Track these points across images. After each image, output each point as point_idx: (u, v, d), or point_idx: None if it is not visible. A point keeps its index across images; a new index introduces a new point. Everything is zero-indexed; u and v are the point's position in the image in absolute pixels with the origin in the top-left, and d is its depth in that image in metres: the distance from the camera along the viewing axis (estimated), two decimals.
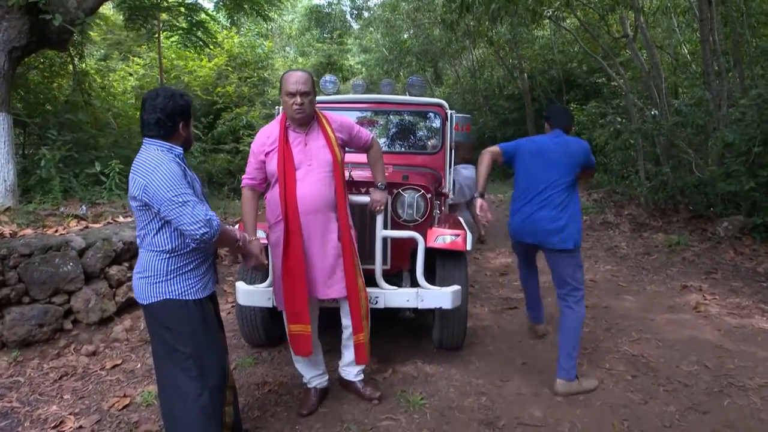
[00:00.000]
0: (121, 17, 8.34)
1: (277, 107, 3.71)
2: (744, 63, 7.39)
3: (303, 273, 2.47)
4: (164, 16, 8.45)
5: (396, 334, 3.65)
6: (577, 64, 14.50)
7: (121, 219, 4.55)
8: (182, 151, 2.11)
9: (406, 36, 18.35)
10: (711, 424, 2.60)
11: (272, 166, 2.49)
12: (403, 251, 3.16)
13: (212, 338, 2.14)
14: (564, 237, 2.92)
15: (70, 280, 3.57)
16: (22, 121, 6.53)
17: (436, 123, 4.36)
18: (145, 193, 1.94)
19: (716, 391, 2.91)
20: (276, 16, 13.23)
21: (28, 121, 6.58)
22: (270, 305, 2.94)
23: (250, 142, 2.80)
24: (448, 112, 4.27)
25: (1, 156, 4.69)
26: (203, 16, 8.91)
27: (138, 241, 2.12)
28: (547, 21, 11.10)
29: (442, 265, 3.18)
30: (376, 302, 2.91)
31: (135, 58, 12.00)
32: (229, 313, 4.27)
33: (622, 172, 8.76)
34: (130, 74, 11.67)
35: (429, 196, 3.12)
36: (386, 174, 3.20)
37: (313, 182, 2.48)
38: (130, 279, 3.90)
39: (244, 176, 2.63)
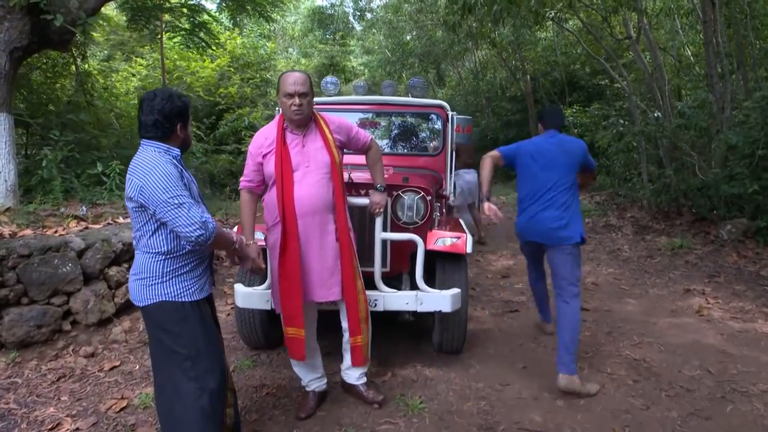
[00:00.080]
0: (124, 18, 8.36)
1: (278, 108, 3.71)
2: (748, 65, 7.35)
3: (299, 276, 2.45)
4: (167, 16, 8.47)
5: (395, 337, 3.63)
6: (580, 65, 14.46)
7: (121, 220, 4.54)
8: (179, 153, 2.10)
9: (408, 37, 18.33)
10: (713, 431, 2.57)
11: (270, 167, 2.48)
12: (402, 254, 3.14)
13: (210, 340, 2.12)
14: (569, 233, 3.05)
15: (69, 281, 3.56)
16: (25, 122, 6.54)
17: (437, 124, 4.34)
18: (141, 195, 1.93)
19: (719, 396, 2.88)
20: (279, 17, 13.28)
21: (30, 121, 6.59)
22: (268, 307, 2.92)
23: None
24: (449, 113, 4.24)
25: (2, 156, 4.69)
26: (206, 17, 8.92)
27: (134, 242, 2.11)
28: (550, 23, 11.07)
29: (442, 267, 3.15)
30: (375, 305, 2.89)
31: (138, 59, 12.02)
32: (228, 314, 4.26)
33: (625, 174, 8.73)
34: (133, 75, 11.70)
35: (429, 198, 3.09)
36: (386, 176, 3.18)
37: (310, 184, 2.46)
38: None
39: (242, 178, 2.61)
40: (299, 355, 2.57)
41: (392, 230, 3.05)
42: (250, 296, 2.95)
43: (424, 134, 4.53)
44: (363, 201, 2.83)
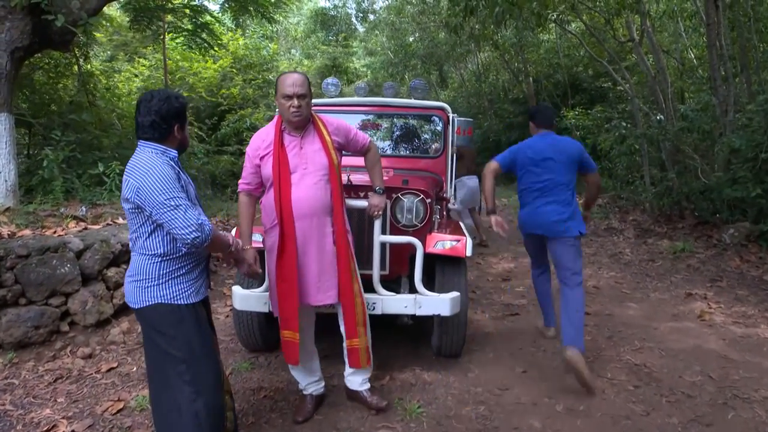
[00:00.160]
0: (127, 18, 8.36)
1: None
2: (751, 68, 7.32)
3: (296, 278, 2.43)
4: (169, 17, 8.47)
5: (394, 341, 3.61)
6: (583, 68, 14.43)
7: (120, 221, 4.54)
8: (177, 154, 2.09)
9: (411, 39, 18.34)
10: None
11: (267, 170, 2.46)
12: (402, 257, 3.12)
13: (205, 343, 2.11)
14: (569, 226, 3.21)
15: (67, 281, 3.55)
16: (27, 122, 6.54)
17: (438, 126, 4.32)
18: (137, 196, 1.92)
19: (720, 402, 2.85)
20: (281, 18, 13.26)
21: (32, 121, 6.59)
22: (266, 310, 2.91)
23: None
24: (450, 115, 4.22)
25: (2, 156, 4.69)
26: (208, 17, 8.92)
27: (130, 244, 2.10)
28: (553, 25, 11.05)
29: (442, 271, 3.13)
30: (374, 308, 2.87)
31: (140, 60, 12.04)
32: (227, 316, 4.24)
33: (627, 177, 8.69)
34: (135, 75, 11.70)
35: (429, 200, 3.07)
36: (386, 178, 3.17)
37: (308, 186, 2.44)
38: None
39: (240, 181, 2.60)
40: (293, 359, 2.55)
41: (391, 233, 3.02)
42: (248, 298, 2.93)
43: (424, 136, 4.51)
44: (362, 203, 2.81)
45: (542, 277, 3.72)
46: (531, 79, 15.42)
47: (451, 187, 4.22)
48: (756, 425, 2.64)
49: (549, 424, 2.66)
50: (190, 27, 8.54)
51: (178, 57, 11.47)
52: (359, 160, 2.97)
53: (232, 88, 11.48)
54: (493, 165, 3.42)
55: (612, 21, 9.35)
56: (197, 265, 2.12)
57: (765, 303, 4.47)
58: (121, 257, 3.99)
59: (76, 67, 7.80)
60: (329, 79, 4.29)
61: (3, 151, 4.70)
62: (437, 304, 2.89)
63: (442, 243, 3.04)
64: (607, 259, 6.21)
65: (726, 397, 2.90)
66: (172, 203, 1.89)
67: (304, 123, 2.49)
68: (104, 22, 9.06)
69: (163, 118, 2.01)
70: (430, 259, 3.07)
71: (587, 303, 4.44)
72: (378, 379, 3.11)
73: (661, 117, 7.98)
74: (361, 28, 23.24)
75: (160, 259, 2.01)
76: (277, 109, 2.48)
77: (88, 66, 8.33)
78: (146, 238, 2.01)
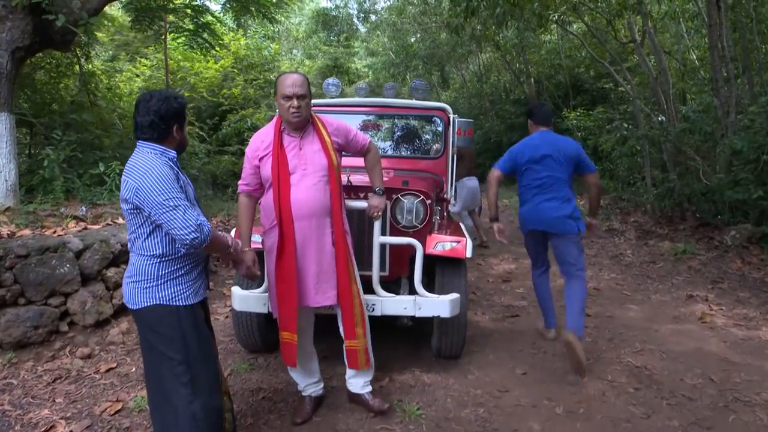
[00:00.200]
0: (129, 18, 8.36)
1: None
2: (753, 69, 7.30)
3: (294, 280, 2.42)
4: (171, 17, 8.47)
5: (394, 342, 3.60)
6: (584, 69, 14.40)
7: (120, 220, 4.53)
8: (176, 155, 2.08)
9: (412, 40, 18.33)
10: None
11: (266, 170, 2.45)
12: (402, 258, 3.11)
13: (203, 345, 2.10)
14: (570, 223, 3.30)
15: (66, 281, 3.55)
16: (29, 121, 6.55)
17: (439, 127, 4.31)
18: (136, 196, 1.91)
19: (721, 405, 2.83)
20: (283, 18, 13.26)
21: (34, 121, 6.59)
22: (265, 311, 2.90)
23: None
24: (451, 116, 4.21)
25: (2, 156, 4.68)
26: (209, 18, 8.92)
27: (129, 245, 2.09)
28: (554, 26, 11.03)
29: (441, 272, 3.12)
30: (373, 310, 2.86)
31: (142, 60, 12.05)
32: (227, 316, 4.24)
33: (629, 178, 8.67)
34: (137, 75, 11.71)
35: (429, 202, 3.06)
36: (386, 179, 3.16)
37: (307, 187, 2.43)
38: None
39: (239, 182, 2.59)
40: (291, 361, 2.54)
41: (391, 234, 3.01)
42: (247, 299, 2.92)
43: (425, 137, 4.50)
44: (361, 204, 2.80)
45: (542, 277, 3.72)
46: (532, 79, 15.40)
47: (451, 188, 4.21)
48: (757, 429, 2.62)
49: (549, 427, 2.65)
50: (191, 27, 8.54)
51: (180, 57, 11.48)
52: (359, 161, 2.96)
53: (234, 88, 11.49)
54: (495, 174, 3.52)
55: (613, 22, 9.32)
56: (196, 266, 2.12)
57: (767, 305, 4.45)
58: (121, 257, 3.99)
59: (77, 67, 7.81)
60: (330, 80, 4.29)
61: (3, 150, 4.69)
62: (437, 305, 2.87)
63: (442, 244, 3.03)
64: (608, 260, 6.19)
65: (727, 400, 2.89)
66: (171, 204, 1.88)
67: (303, 124, 2.48)
68: (106, 22, 9.05)
69: (162, 118, 2.00)
70: (430, 261, 3.06)
71: (588, 305, 4.44)
72: (377, 380, 3.10)
73: (663, 118, 7.96)
74: (362, 29, 23.22)
75: (158, 260, 2.01)
76: (277, 110, 2.47)
77: (90, 66, 8.33)
78: (145, 239, 2.00)
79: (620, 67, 9.41)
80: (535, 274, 3.74)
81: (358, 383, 2.77)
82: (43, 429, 2.62)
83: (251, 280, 2.58)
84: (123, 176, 1.98)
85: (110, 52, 12.89)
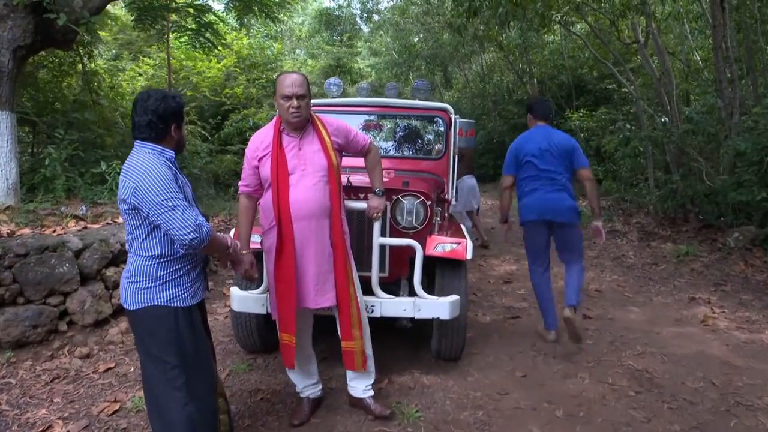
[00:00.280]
0: (131, 17, 8.37)
1: None
2: (757, 70, 7.26)
3: (293, 281, 2.41)
4: (173, 16, 8.47)
5: (393, 343, 3.58)
6: (588, 69, 14.34)
7: (120, 220, 4.52)
8: (174, 155, 2.07)
9: (415, 40, 18.30)
10: None
11: (265, 171, 2.44)
12: (401, 259, 3.09)
13: (199, 347, 2.08)
14: (575, 214, 3.46)
15: (65, 281, 3.54)
16: (31, 120, 6.55)
17: (440, 128, 4.29)
18: (134, 197, 1.90)
19: (723, 410, 2.80)
20: (285, 18, 13.24)
21: (36, 119, 6.60)
22: (264, 312, 2.89)
23: None
24: (453, 116, 4.19)
25: (3, 154, 4.68)
26: (212, 17, 8.92)
27: (127, 245, 2.08)
28: (557, 26, 10.99)
29: (441, 273, 3.10)
30: (372, 311, 2.84)
31: (145, 59, 12.06)
32: (226, 317, 4.23)
33: (631, 179, 8.63)
34: (140, 74, 11.72)
35: (429, 203, 3.05)
36: (387, 179, 3.14)
37: (306, 187, 2.41)
38: None
39: (240, 183, 2.58)
40: (289, 362, 2.53)
41: (391, 235, 3.00)
42: (246, 300, 2.91)
43: (427, 137, 4.48)
44: (361, 205, 2.79)
45: (543, 277, 3.67)
46: (535, 80, 15.35)
47: (452, 189, 4.19)
48: None
49: (548, 430, 2.63)
50: (194, 26, 8.53)
51: (182, 56, 11.49)
52: (359, 161, 2.94)
53: (236, 87, 11.48)
54: (508, 180, 3.64)
55: (617, 22, 9.29)
56: (195, 267, 2.10)
57: None
58: (120, 257, 3.98)
59: (80, 66, 7.81)
60: (331, 80, 4.27)
61: (4, 149, 4.70)
62: (436, 307, 2.86)
63: (442, 245, 3.01)
64: (609, 262, 6.16)
65: (729, 404, 2.86)
66: (170, 204, 1.87)
67: (303, 124, 2.47)
68: (109, 21, 9.07)
69: (160, 117, 1.99)
70: (430, 262, 3.04)
71: (589, 306, 4.43)
72: (376, 382, 3.07)
73: (666, 119, 7.92)
74: (365, 29, 23.20)
75: (157, 261, 1.99)
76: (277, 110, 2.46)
77: (92, 65, 8.35)
78: (143, 240, 1.98)
79: (623, 67, 9.37)
80: (536, 273, 3.68)
81: (359, 387, 2.74)
82: (40, 429, 2.62)
83: (250, 281, 2.56)
84: (121, 176, 1.97)
85: (113, 51, 12.90)
